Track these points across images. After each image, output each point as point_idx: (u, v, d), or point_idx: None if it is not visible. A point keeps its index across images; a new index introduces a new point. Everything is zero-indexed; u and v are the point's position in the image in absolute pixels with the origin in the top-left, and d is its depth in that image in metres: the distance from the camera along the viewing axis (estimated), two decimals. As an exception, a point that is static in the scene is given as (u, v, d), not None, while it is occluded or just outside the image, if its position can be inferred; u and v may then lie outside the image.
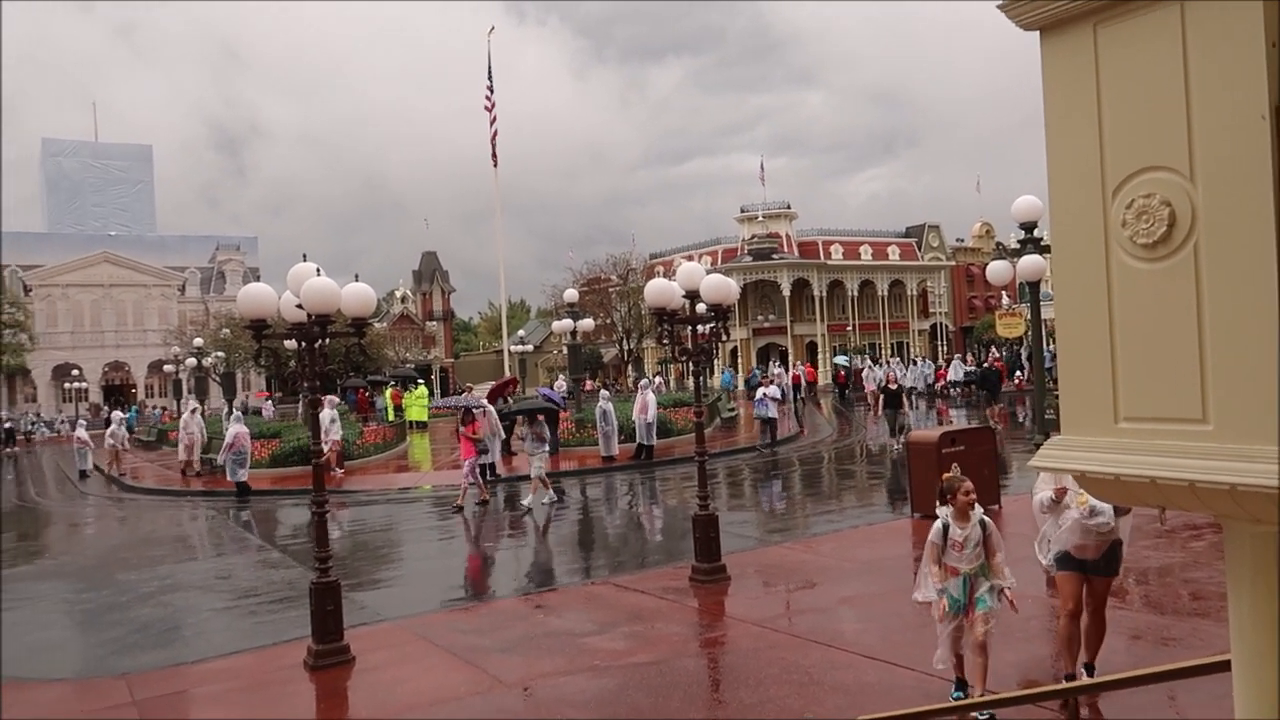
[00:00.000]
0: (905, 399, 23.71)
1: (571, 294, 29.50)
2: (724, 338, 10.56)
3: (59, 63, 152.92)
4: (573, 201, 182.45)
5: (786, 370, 43.59)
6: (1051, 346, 33.50)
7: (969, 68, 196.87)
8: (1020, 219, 13.53)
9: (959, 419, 30.28)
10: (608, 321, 51.99)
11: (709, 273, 10.20)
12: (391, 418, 35.09)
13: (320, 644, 7.89)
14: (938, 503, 6.18)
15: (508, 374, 35.24)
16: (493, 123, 39.17)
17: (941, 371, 44.56)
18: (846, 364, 45.83)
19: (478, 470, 16.73)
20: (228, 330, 45.04)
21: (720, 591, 9.54)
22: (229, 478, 20.40)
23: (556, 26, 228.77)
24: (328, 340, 8.16)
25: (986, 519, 5.99)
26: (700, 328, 10.30)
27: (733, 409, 36.01)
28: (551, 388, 32.10)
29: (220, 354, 38.88)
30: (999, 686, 6.29)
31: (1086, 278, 1.89)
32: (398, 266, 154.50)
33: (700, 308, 10.22)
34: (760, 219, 61.02)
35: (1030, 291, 14.32)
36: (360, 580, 11.57)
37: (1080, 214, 1.90)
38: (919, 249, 66.64)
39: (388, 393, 38.91)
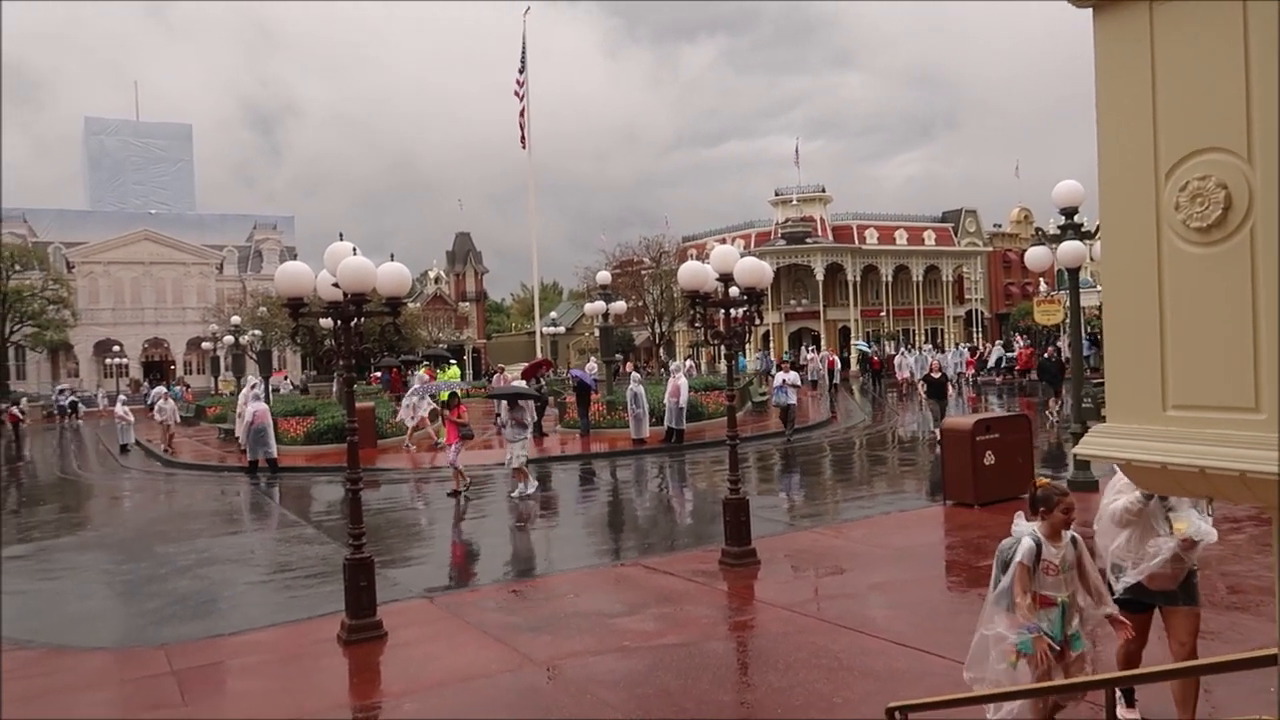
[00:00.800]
0: (950, 387, 23.24)
1: (604, 276, 29.47)
2: (757, 321, 10.50)
3: (94, 42, 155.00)
4: (604, 182, 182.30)
5: (865, 354, 43.60)
6: (1089, 333, 33.07)
7: (1009, 47, 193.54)
8: (1061, 204, 13.31)
9: (1003, 409, 29.97)
10: (640, 304, 51.96)
11: (742, 256, 10.14)
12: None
13: (353, 619, 7.99)
14: (1025, 515, 5.12)
15: (539, 355, 35.37)
16: (522, 111, 39.15)
17: (971, 360, 43.69)
18: (867, 349, 45.47)
19: (454, 455, 16.11)
20: (265, 308, 45.58)
21: (750, 575, 9.54)
22: (249, 457, 20.67)
23: (588, 5, 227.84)
24: (363, 319, 8.22)
25: (1077, 535, 5.05)
26: (733, 311, 10.26)
27: (764, 393, 35.90)
28: (583, 369, 32.19)
29: (257, 332, 39.35)
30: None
31: (1136, 262, 1.85)
32: (429, 246, 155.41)
33: (733, 291, 10.18)
34: (795, 202, 60.59)
35: (1070, 278, 14.10)
36: (393, 557, 11.69)
37: (1131, 197, 1.85)
38: (955, 234, 65.89)
39: (420, 372, 39.17)
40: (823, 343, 56.29)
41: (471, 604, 9.05)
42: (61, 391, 52.34)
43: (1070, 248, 13.42)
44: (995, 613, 4.91)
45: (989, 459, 12.40)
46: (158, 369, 68.63)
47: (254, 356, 37.31)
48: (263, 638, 8.45)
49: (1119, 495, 5.22)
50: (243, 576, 11.18)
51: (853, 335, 60.00)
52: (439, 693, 6.71)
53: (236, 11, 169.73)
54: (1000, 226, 72.20)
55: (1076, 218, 13.42)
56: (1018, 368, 45.52)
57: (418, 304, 66.46)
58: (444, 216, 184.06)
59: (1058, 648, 4.73)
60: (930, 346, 47.47)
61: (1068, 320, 21.52)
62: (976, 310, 67.78)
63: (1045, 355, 32.04)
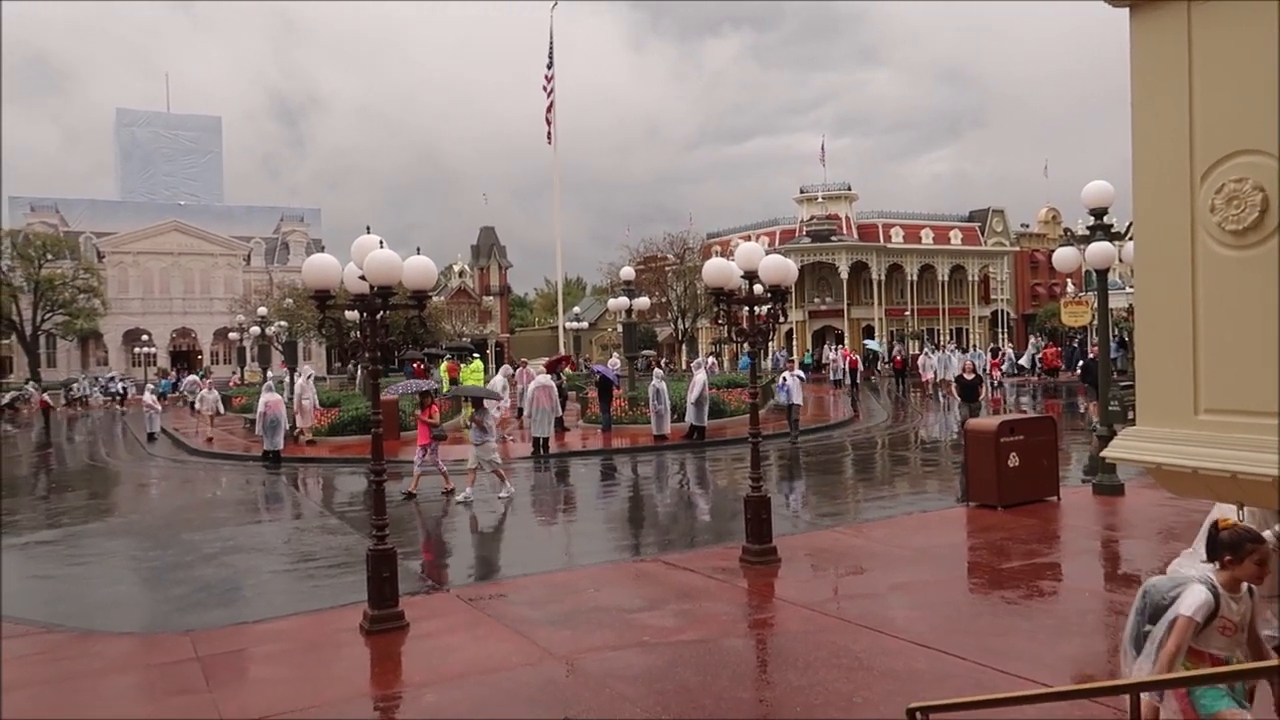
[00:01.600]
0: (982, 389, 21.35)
1: (628, 272, 29.48)
2: (781, 319, 10.47)
3: (122, 32, 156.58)
4: (628, 177, 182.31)
5: (875, 353, 43.51)
6: (1117, 336, 32.67)
7: (1039, 44, 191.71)
8: (1090, 205, 13.18)
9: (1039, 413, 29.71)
10: (663, 300, 51.93)
11: (767, 253, 10.12)
12: (447, 390, 35.50)
13: (376, 609, 8.05)
14: (1204, 559, 4.19)
15: (562, 350, 35.47)
16: (549, 107, 39.20)
17: (995, 362, 43.15)
18: (876, 348, 45.21)
19: (430, 456, 15.79)
20: (291, 300, 45.94)
21: (770, 573, 9.53)
22: (265, 446, 20.95)
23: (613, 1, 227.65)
24: (389, 312, 8.27)
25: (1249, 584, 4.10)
26: (757, 309, 10.24)
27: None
28: (606, 365, 32.22)
29: (283, 323, 39.67)
30: (1054, 680, 6.20)
31: (1170, 264, 1.83)
32: (453, 240, 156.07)
33: (758, 288, 10.16)
34: (820, 200, 60.30)
35: (1098, 280, 13.96)
36: (415, 549, 11.77)
37: (1166, 198, 1.84)
38: (982, 234, 65.36)
39: (443, 366, 39.36)
40: (846, 341, 56.01)
41: (492, 597, 9.10)
42: (111, 378, 53.09)
43: (1099, 249, 13.28)
44: (1144, 669, 4.02)
45: (1013, 461, 12.31)
46: (185, 358, 69.41)
47: (279, 347, 37.66)
48: (286, 626, 8.54)
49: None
50: (267, 565, 11.29)
51: (877, 334, 59.70)
52: (459, 684, 6.75)
53: (261, 3, 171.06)
54: (1028, 226, 71.52)
55: (1106, 219, 13.28)
56: (1043, 366, 45.31)
57: (442, 298, 66.75)
58: (467, 210, 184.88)
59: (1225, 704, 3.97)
60: (954, 346, 46.92)
61: (1095, 322, 21.32)
62: (1002, 311, 67.22)
63: (1090, 356, 31.39)
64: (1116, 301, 32.98)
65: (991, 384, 39.01)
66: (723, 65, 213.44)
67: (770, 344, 16.84)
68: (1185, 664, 3.94)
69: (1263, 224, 1.69)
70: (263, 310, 36.83)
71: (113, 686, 7.18)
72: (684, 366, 41.62)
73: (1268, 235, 1.68)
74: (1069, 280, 51.48)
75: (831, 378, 39.74)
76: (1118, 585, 9.09)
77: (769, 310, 10.17)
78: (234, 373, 53.67)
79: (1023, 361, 44.36)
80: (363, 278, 8.04)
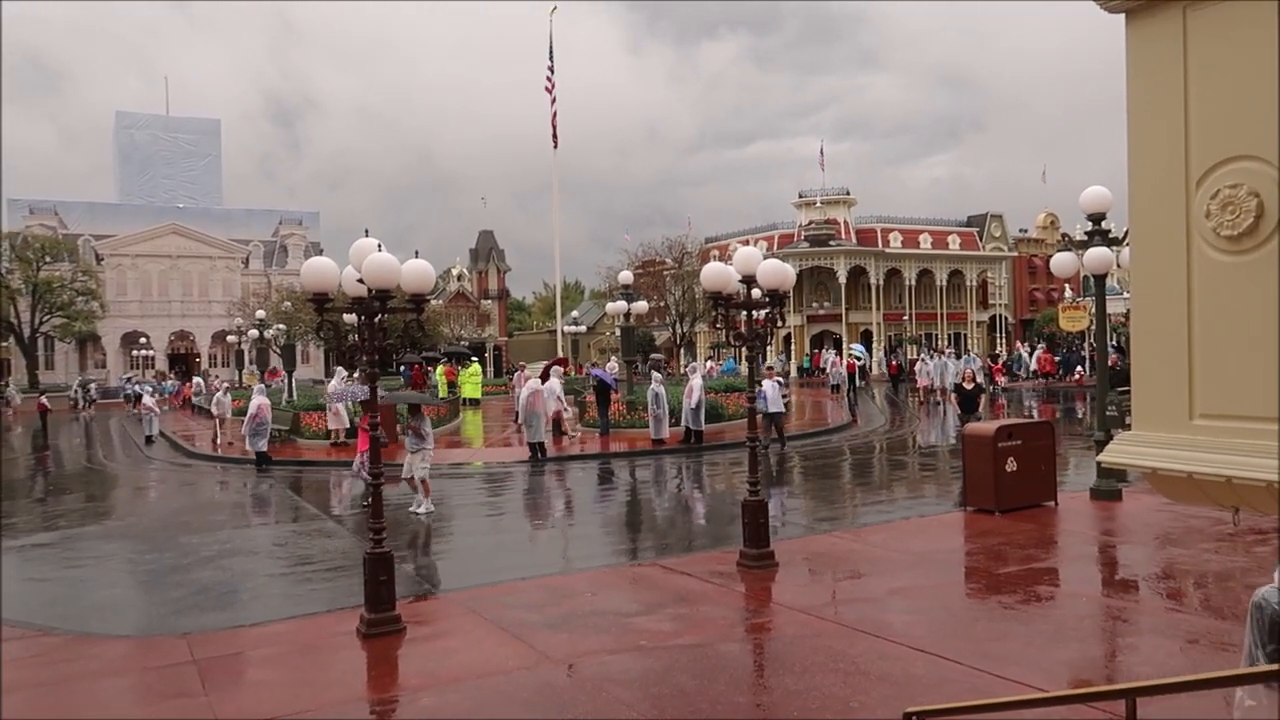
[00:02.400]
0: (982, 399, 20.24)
1: (626, 276, 29.49)
2: (779, 323, 10.48)
3: (119, 32, 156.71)
4: (626, 180, 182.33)
5: (841, 358, 43.15)
6: (1114, 342, 32.67)
7: (1037, 50, 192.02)
8: (1088, 210, 13.21)
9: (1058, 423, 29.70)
10: (662, 304, 51.94)
11: (765, 258, 10.13)
12: (445, 394, 35.53)
13: (373, 613, 8.05)
14: None
15: (560, 354, 35.47)
16: (553, 103, 39.26)
17: (997, 368, 42.86)
18: (860, 354, 45.23)
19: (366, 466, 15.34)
20: (289, 303, 45.95)
21: (768, 578, 9.52)
22: (248, 448, 20.93)
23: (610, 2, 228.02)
24: (386, 315, 8.27)
25: None
26: (755, 313, 10.24)
27: (785, 396, 35.82)
28: (603, 369, 32.21)
29: (281, 326, 39.68)
30: (1050, 685, 6.20)
31: (1165, 269, 1.83)
32: (451, 242, 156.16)
33: (756, 293, 10.16)
34: (818, 205, 60.35)
35: (1096, 285, 13.99)
36: (412, 552, 11.76)
37: (1161, 203, 1.84)
38: (980, 239, 65.42)
39: (441, 369, 39.39)
40: (844, 346, 56.04)
41: (489, 600, 9.09)
42: (128, 380, 53.07)
43: (1097, 254, 13.31)
44: (1269, 696, 3.54)
45: (1011, 465, 12.31)
46: (183, 361, 69.36)
47: (278, 350, 37.67)
48: (283, 629, 8.53)
49: None
50: (264, 568, 11.28)
51: (875, 339, 59.72)
52: (456, 688, 6.74)
53: (259, 4, 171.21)
54: (1026, 231, 71.55)
55: (1104, 224, 13.31)
56: (1038, 371, 45.34)
57: (440, 301, 66.74)
58: (466, 212, 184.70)
59: None
60: (951, 351, 46.55)
61: (1093, 327, 21.32)
62: (1000, 315, 67.26)
63: (1110, 365, 30.85)
64: (1114, 307, 32.99)
65: (995, 390, 38.66)
66: (721, 68, 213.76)
67: (769, 348, 16.64)
68: None
69: (1258, 229, 1.69)
70: (261, 313, 36.83)
71: (109, 689, 7.17)
72: (682, 371, 41.62)
73: (1262, 240, 1.69)
74: (1067, 285, 51.51)
75: (831, 383, 39.66)
76: (1115, 591, 9.10)
77: (767, 315, 10.17)
78: (216, 377, 53.48)
79: (1034, 365, 44.20)
80: (361, 281, 8.05)
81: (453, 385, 37.14)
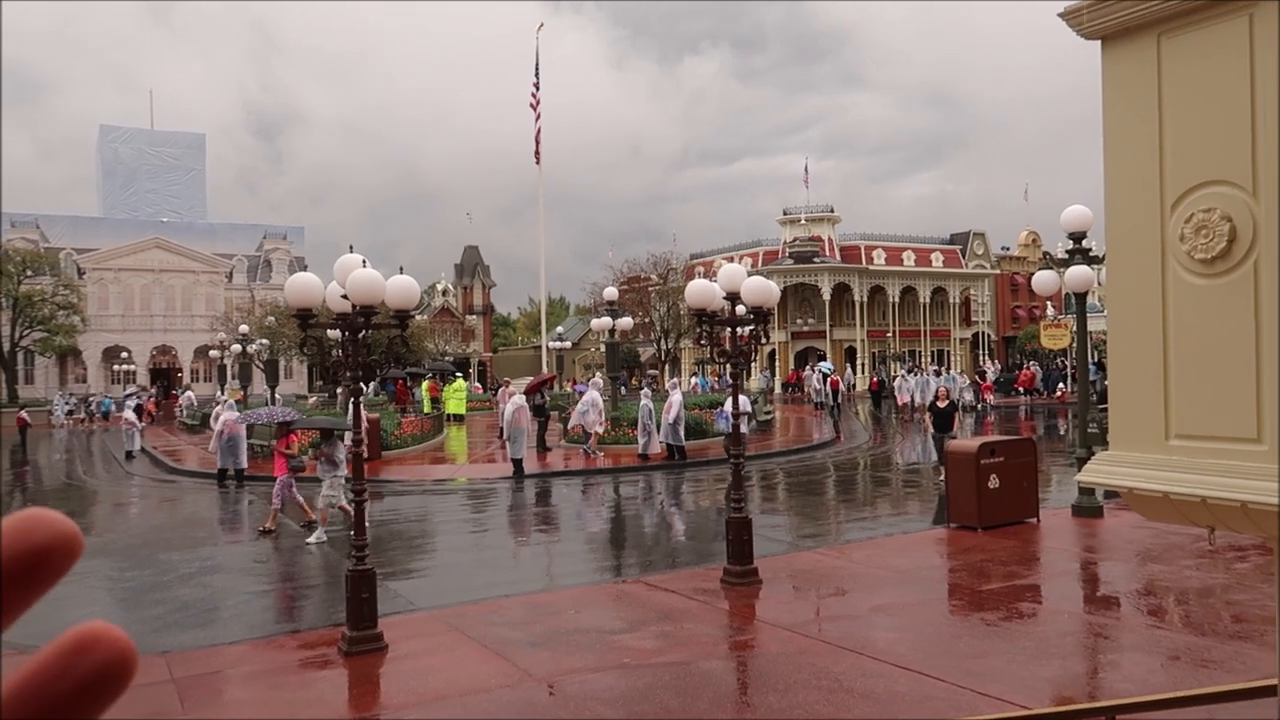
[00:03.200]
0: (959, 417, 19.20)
1: (611, 292, 29.53)
2: (764, 340, 10.52)
3: (95, 42, 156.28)
4: (611, 196, 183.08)
5: (825, 375, 43.19)
6: (1096, 359, 32.93)
7: (1018, 72, 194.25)
8: (1069, 229, 13.34)
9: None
10: (646, 320, 52.01)
11: (750, 275, 10.17)
12: (428, 410, 35.42)
13: (354, 630, 7.98)
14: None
15: (545, 370, 35.44)
16: (537, 119, 39.36)
17: (987, 385, 42.32)
18: (829, 371, 45.58)
19: (289, 490, 14.40)
20: (273, 318, 45.75)
21: (751, 594, 9.51)
22: (218, 464, 20.68)
23: (593, 14, 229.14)
24: (371, 331, 8.26)
25: None
26: (740, 330, 10.28)
27: (769, 412, 35.93)
28: (587, 384, 32.17)
29: (265, 341, 39.48)
30: (1033, 702, 6.21)
31: (1141, 292, 1.86)
32: (434, 257, 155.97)
33: (740, 310, 10.20)
34: (802, 222, 60.69)
35: (1077, 303, 14.11)
36: (395, 569, 11.69)
37: (1137, 227, 1.87)
38: (963, 256, 65.89)
39: (425, 385, 39.29)
40: (829, 362, 56.25)
41: (472, 618, 9.04)
42: (130, 395, 52.69)
43: (1078, 272, 13.43)
44: None
45: (993, 482, 12.36)
46: (165, 376, 68.88)
47: (261, 366, 37.49)
48: (263, 647, 8.45)
49: None
50: (245, 585, 11.18)
51: (858, 355, 59.96)
52: (438, 706, 6.69)
53: (238, 15, 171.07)
54: (1008, 249, 72.15)
55: (1085, 243, 13.44)
56: (1019, 387, 45.63)
57: (425, 316, 66.59)
58: (450, 227, 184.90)
59: None
60: (934, 368, 46.24)
61: (1074, 345, 21.48)
62: (983, 333, 67.67)
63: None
64: (1095, 325, 33.27)
65: (984, 408, 38.36)
66: (704, 83, 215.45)
67: (753, 365, 16.46)
68: None
69: (1230, 253, 1.72)
70: (244, 328, 36.63)
71: (85, 709, 7.08)
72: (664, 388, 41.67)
73: (1235, 264, 1.72)
74: (1049, 303, 51.90)
75: (814, 400, 39.75)
76: (1097, 607, 9.14)
77: (751, 331, 10.21)
78: (150, 395, 53.03)
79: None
80: (345, 297, 8.03)
81: (437, 401, 37.02)
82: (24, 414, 39.58)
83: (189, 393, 40.49)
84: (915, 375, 37.78)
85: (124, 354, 67.29)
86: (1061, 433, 29.35)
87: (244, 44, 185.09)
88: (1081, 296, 13.83)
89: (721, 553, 10.38)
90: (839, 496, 18.32)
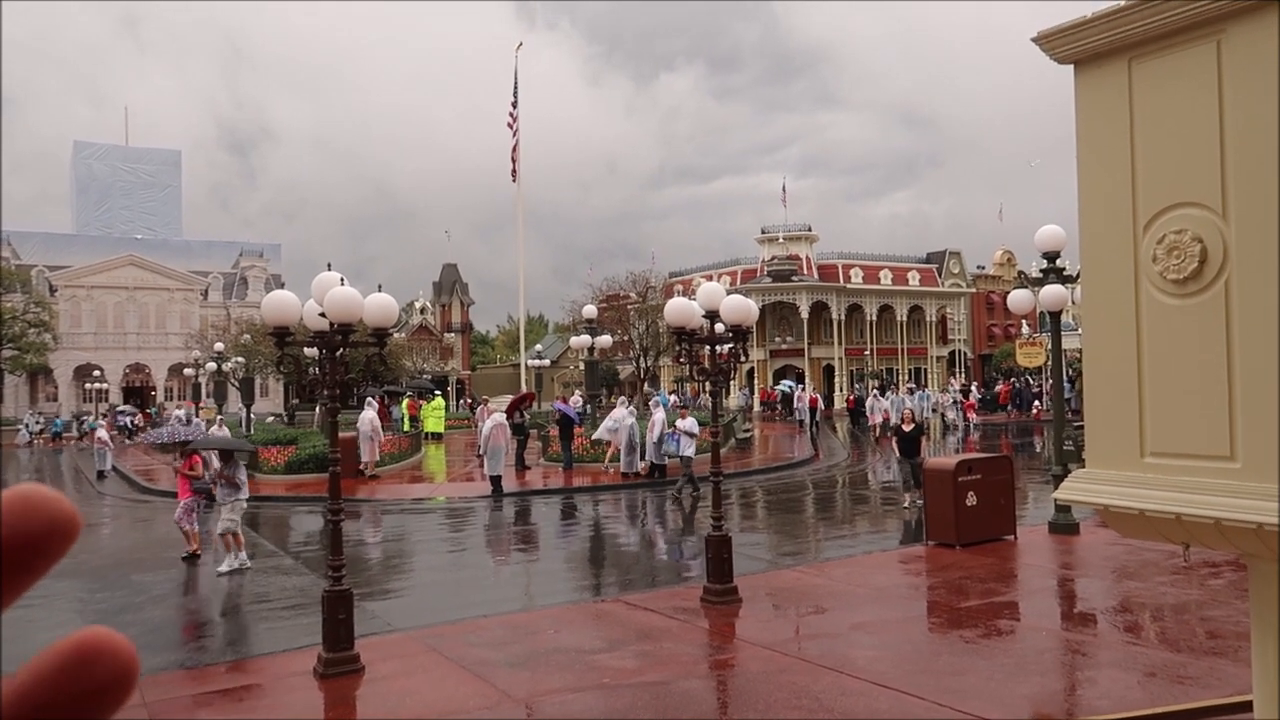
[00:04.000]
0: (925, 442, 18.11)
1: (591, 310, 29.55)
2: (742, 358, 10.55)
3: (63, 55, 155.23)
4: (588, 213, 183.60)
5: (784, 393, 43.67)
6: (1071, 375, 33.21)
7: (993, 91, 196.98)
8: (1043, 248, 13.49)
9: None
10: (625, 338, 52.03)
11: (729, 293, 10.21)
12: (407, 428, 35.25)
13: (330, 652, 7.89)
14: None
15: (524, 388, 35.33)
16: (515, 145, 39.41)
17: (969, 404, 41.95)
18: (788, 389, 45.84)
19: (190, 514, 13.63)
20: (248, 336, 45.39)
21: (731, 613, 9.50)
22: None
23: (568, 30, 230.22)
24: (348, 349, 8.21)
25: None
26: (719, 348, 10.31)
27: (748, 429, 36.00)
28: (566, 402, 32.11)
29: (240, 359, 39.14)
30: (1012, 719, 6.23)
31: (1115, 312, 1.88)
32: (412, 274, 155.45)
33: (719, 328, 10.23)
34: (780, 240, 61.07)
35: (1052, 321, 14.26)
36: (372, 590, 11.58)
37: (1110, 248, 1.90)
38: (939, 275, 66.46)
39: (404, 403, 39.11)
40: (807, 381, 56.50)
41: (450, 638, 8.96)
42: (121, 412, 51.99)
43: (1052, 291, 13.57)
44: None
45: (971, 500, 12.43)
46: (138, 394, 68.15)
47: (236, 384, 37.14)
48: (238, 670, 8.34)
49: None
50: (218, 607, 11.04)
51: (836, 373, 60.24)
52: (415, 729, 6.63)
53: (209, 30, 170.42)
54: (984, 268, 72.91)
55: (1059, 262, 13.59)
56: (1002, 403, 46.12)
57: (403, 334, 66.32)
58: (427, 244, 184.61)
59: None
60: (910, 386, 45.47)
61: (1049, 363, 21.67)
62: (960, 351, 68.20)
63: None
64: (1069, 343, 33.57)
65: (969, 426, 38.15)
66: (678, 100, 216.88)
67: (732, 383, 16.20)
68: None
69: (1202, 274, 1.75)
70: (219, 346, 36.30)
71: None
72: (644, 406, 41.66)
73: (1206, 285, 1.74)
74: (1024, 321, 52.42)
75: (796, 418, 39.83)
76: (1074, 624, 9.18)
77: (730, 349, 10.24)
78: (209, 418, 52.36)
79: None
80: (323, 315, 7.99)
81: (415, 419, 36.83)
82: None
83: (180, 411, 39.90)
84: (890, 394, 37.15)
85: (96, 372, 66.53)
86: (1037, 450, 29.57)
87: (216, 59, 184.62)
88: (1056, 315, 13.97)
89: (701, 571, 10.36)
90: (818, 514, 18.35)
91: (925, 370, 64.73)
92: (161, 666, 8.48)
